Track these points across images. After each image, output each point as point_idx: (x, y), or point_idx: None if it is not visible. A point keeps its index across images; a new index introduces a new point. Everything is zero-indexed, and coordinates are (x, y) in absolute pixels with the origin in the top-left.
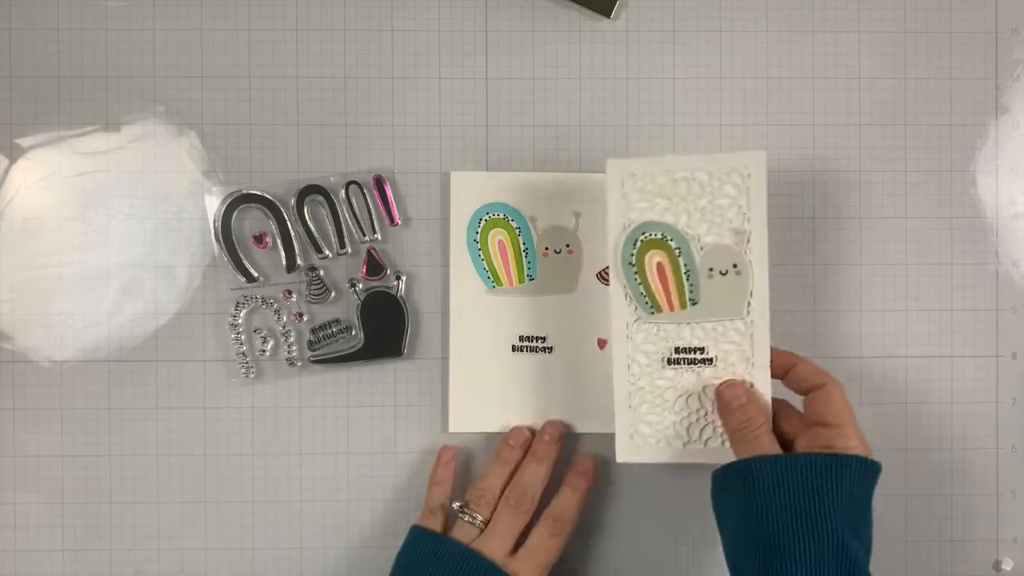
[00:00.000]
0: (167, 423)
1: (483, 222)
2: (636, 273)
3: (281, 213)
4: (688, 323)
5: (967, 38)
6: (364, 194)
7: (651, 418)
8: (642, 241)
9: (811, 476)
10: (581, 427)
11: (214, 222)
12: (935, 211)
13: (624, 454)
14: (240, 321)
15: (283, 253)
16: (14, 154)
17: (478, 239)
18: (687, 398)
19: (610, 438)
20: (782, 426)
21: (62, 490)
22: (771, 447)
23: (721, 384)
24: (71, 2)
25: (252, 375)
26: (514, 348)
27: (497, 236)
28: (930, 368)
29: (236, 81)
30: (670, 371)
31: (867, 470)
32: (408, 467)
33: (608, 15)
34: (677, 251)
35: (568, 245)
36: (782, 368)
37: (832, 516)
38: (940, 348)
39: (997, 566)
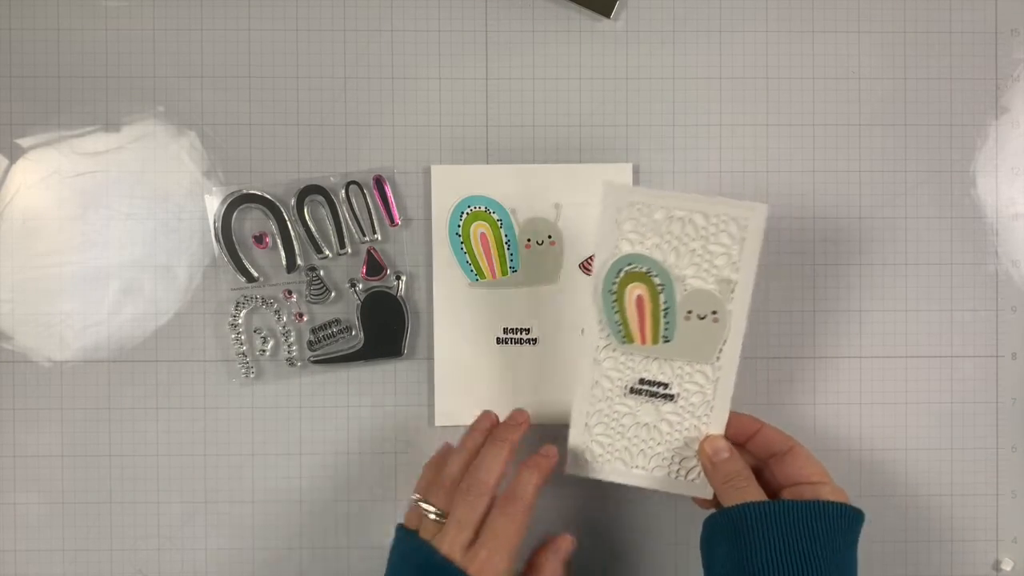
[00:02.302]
0: (167, 423)
1: (465, 215)
2: (615, 302)
3: (281, 213)
4: (656, 358)
5: (967, 38)
6: (364, 194)
7: (603, 439)
8: (626, 272)
9: (801, 521)
10: (565, 419)
11: (214, 222)
12: (935, 211)
13: (572, 467)
14: (240, 321)
15: (283, 253)
16: (14, 154)
17: (460, 232)
18: (641, 427)
19: None
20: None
21: (62, 490)
22: (760, 496)
23: (704, 440)
24: (71, 2)
25: (252, 375)
26: (498, 340)
27: (479, 229)
28: (930, 368)
29: (236, 81)
30: (630, 399)
31: (854, 519)
32: (408, 467)
33: (608, 15)
34: (660, 288)
35: (550, 236)
36: (746, 433)
37: (821, 561)
38: (940, 348)
39: (997, 566)
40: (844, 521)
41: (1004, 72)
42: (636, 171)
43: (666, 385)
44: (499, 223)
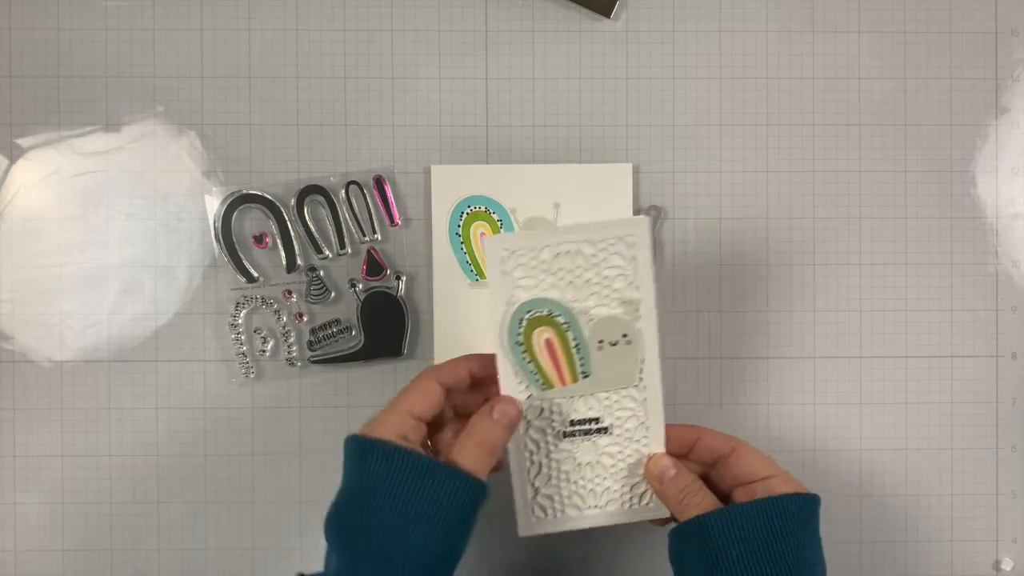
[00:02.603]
0: (167, 423)
1: (465, 215)
2: (525, 352)
3: (281, 213)
4: (582, 396)
5: (967, 38)
6: (364, 194)
7: (549, 491)
8: (528, 319)
9: (761, 522)
10: None
11: (214, 222)
12: (935, 211)
13: (525, 528)
14: (240, 321)
15: (283, 253)
16: (14, 154)
17: (460, 232)
18: (584, 467)
19: None
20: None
21: (62, 490)
22: (715, 503)
23: (648, 463)
24: (71, 2)
25: (252, 375)
26: None
27: (479, 229)
28: (930, 368)
29: (236, 81)
30: (566, 443)
31: (810, 505)
32: None
33: (608, 15)
34: (565, 326)
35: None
36: (687, 443)
37: (787, 555)
38: (940, 348)
39: (997, 566)
40: (802, 510)
41: (1004, 72)
42: (636, 171)
43: (598, 420)
44: (499, 223)
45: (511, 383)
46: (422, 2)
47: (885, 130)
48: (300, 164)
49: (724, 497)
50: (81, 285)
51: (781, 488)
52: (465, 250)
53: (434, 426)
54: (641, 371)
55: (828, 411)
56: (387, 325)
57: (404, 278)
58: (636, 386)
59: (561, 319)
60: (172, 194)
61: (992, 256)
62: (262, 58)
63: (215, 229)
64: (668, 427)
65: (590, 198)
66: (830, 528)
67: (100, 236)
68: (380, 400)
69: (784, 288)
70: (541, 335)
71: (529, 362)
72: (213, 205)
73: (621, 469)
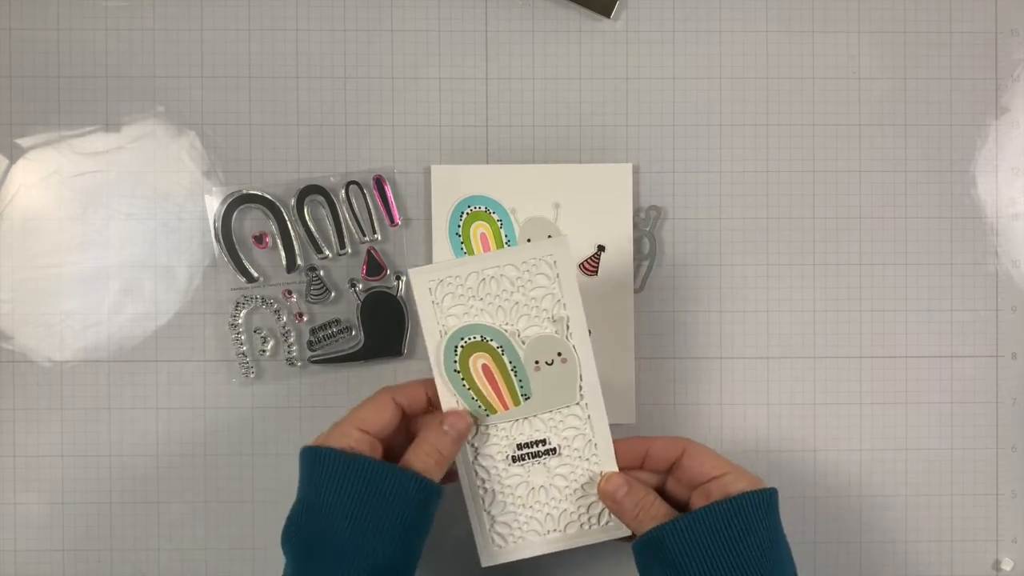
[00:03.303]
0: (167, 423)
1: (465, 215)
2: (463, 379)
3: (281, 213)
4: (526, 418)
5: (967, 38)
6: (364, 194)
7: (505, 518)
8: (463, 346)
9: (719, 525)
10: None
11: (214, 222)
12: (935, 211)
13: (487, 558)
14: (240, 321)
15: (283, 253)
16: (14, 154)
17: (460, 232)
18: (539, 490)
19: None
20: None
21: (62, 490)
22: (671, 513)
23: (600, 483)
24: (71, 2)
25: (252, 375)
26: None
27: (479, 229)
28: (930, 368)
29: (236, 81)
30: (517, 468)
31: (768, 499)
32: None
33: (608, 15)
34: (500, 350)
35: (550, 236)
36: (637, 455)
37: (750, 556)
38: (940, 348)
39: (997, 566)
40: (760, 507)
41: (1004, 72)
42: (636, 171)
43: (545, 441)
44: (499, 223)
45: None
46: (422, 2)
47: (885, 130)
48: (300, 164)
49: (685, 503)
50: (81, 285)
51: (735, 485)
52: (465, 250)
53: (390, 450)
54: (581, 388)
55: (828, 411)
56: (387, 325)
57: (404, 278)
58: (578, 404)
59: (495, 343)
60: (172, 194)
61: (992, 256)
62: (262, 58)
63: (215, 229)
64: (617, 441)
65: (590, 198)
66: (831, 528)
67: (100, 236)
68: None
69: (784, 288)
70: (477, 361)
71: (468, 389)
72: (213, 205)
73: (576, 490)
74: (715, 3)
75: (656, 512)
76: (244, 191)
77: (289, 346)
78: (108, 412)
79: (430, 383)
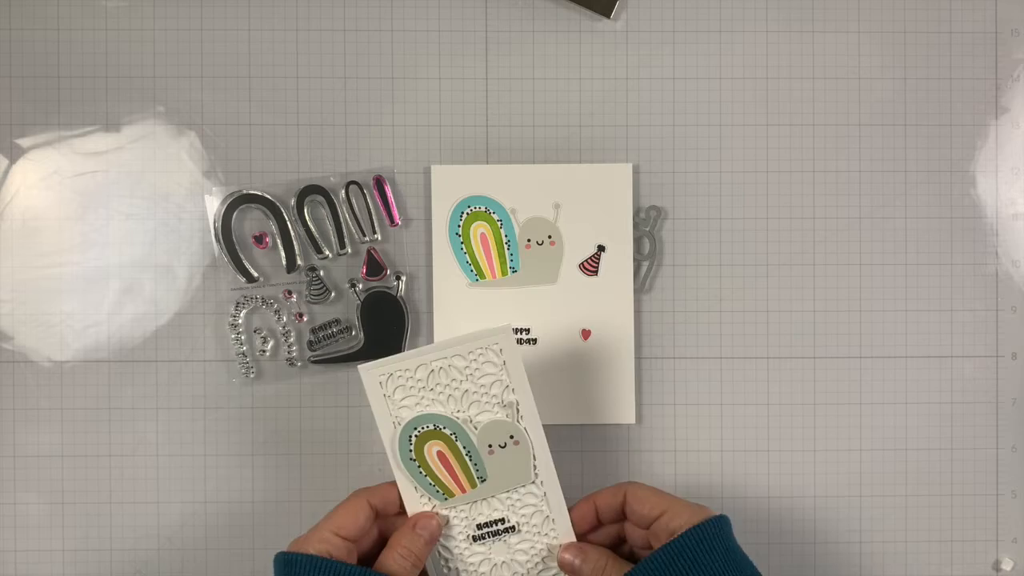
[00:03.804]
0: (167, 423)
1: (465, 215)
2: (419, 467)
3: (281, 213)
4: (484, 499)
5: (967, 38)
6: (364, 194)
7: None
8: (417, 435)
9: (668, 568)
10: (565, 419)
11: (214, 222)
12: (935, 211)
13: None
14: (240, 321)
15: (283, 253)
16: (14, 154)
17: (460, 232)
18: (501, 567)
19: (595, 428)
20: (629, 544)
21: (62, 490)
22: (623, 569)
23: (559, 556)
24: (71, 2)
25: (252, 375)
26: None
27: (479, 229)
28: (930, 368)
29: (236, 81)
30: (478, 547)
31: (716, 528)
32: None
33: (608, 15)
34: (453, 436)
35: (550, 236)
36: (590, 517)
37: None
38: (940, 348)
39: (997, 566)
40: (704, 539)
41: (1004, 72)
42: (636, 171)
43: (503, 520)
44: (499, 223)
45: (413, 498)
46: (422, 2)
47: (885, 130)
48: (300, 164)
49: (648, 545)
50: (81, 285)
51: (675, 522)
52: (465, 250)
53: (361, 552)
54: (535, 467)
55: (828, 411)
56: (387, 325)
57: (404, 278)
58: (533, 482)
59: (448, 430)
60: (172, 194)
61: (992, 256)
62: (262, 58)
63: (215, 229)
64: (571, 510)
65: (590, 198)
66: (830, 528)
67: (100, 236)
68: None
69: (784, 288)
70: (432, 448)
71: (425, 475)
72: (213, 205)
73: (537, 564)
74: (715, 3)
75: (614, 571)
76: (244, 191)
77: (289, 346)
78: (108, 412)
79: None
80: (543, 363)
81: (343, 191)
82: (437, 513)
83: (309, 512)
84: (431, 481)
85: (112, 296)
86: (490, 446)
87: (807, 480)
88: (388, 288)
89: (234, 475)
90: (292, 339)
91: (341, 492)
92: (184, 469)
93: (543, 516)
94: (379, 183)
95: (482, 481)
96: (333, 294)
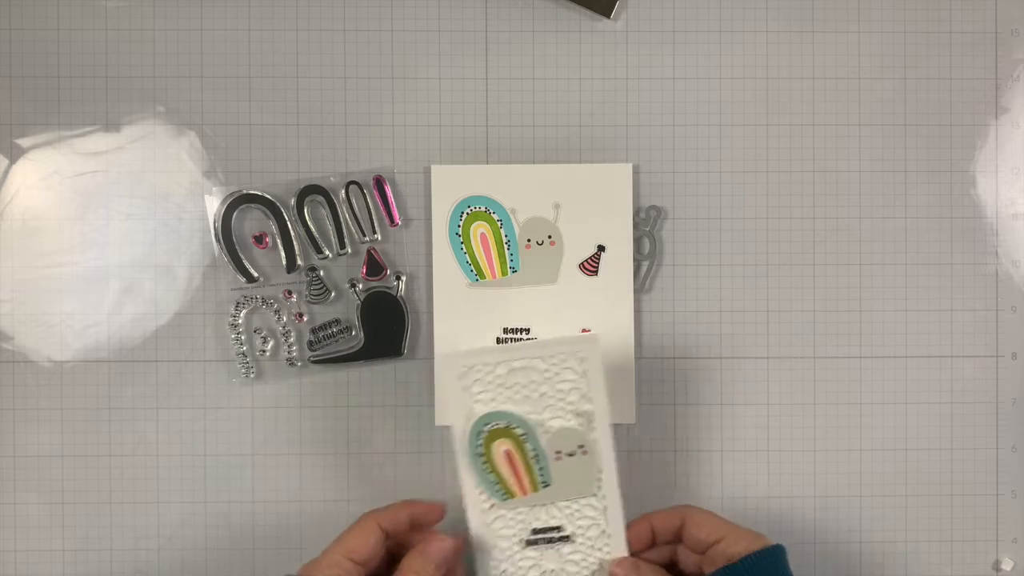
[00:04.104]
0: (167, 423)
1: (465, 215)
2: (485, 463)
3: (281, 213)
4: (543, 505)
5: (967, 38)
6: (364, 194)
7: None
8: (487, 431)
9: None
10: None
11: (214, 222)
12: (935, 211)
13: None
14: (240, 321)
15: (283, 253)
16: (14, 154)
17: (460, 232)
18: (549, 574)
19: None
20: (680, 567)
21: (62, 490)
22: None
23: (610, 568)
24: (71, 2)
25: (252, 375)
26: (498, 340)
27: (479, 229)
28: (930, 368)
29: (236, 81)
30: (531, 551)
31: (771, 559)
32: (408, 468)
33: (608, 15)
34: (523, 437)
35: (550, 236)
36: (645, 537)
37: None
38: (940, 348)
39: (997, 566)
40: (765, 569)
41: (1004, 72)
42: (636, 171)
43: (560, 528)
44: (499, 223)
45: (473, 494)
46: (422, 2)
47: (885, 130)
48: (300, 164)
49: (700, 569)
50: (81, 285)
51: (733, 548)
52: (465, 250)
53: (371, 574)
54: (599, 480)
55: (828, 411)
56: (387, 325)
57: (404, 278)
58: (595, 495)
59: (519, 431)
60: (172, 194)
61: (992, 256)
62: (262, 58)
63: (215, 229)
64: (627, 528)
65: (590, 198)
66: (830, 528)
67: (100, 236)
68: (380, 400)
69: (784, 288)
70: (500, 446)
71: (490, 472)
72: (213, 205)
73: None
74: (715, 3)
75: None
76: (244, 191)
77: (289, 346)
78: (108, 412)
79: (412, 505)
80: None
81: (343, 191)
82: (453, 536)
83: (309, 512)
84: (494, 479)
85: (112, 296)
86: (558, 452)
87: (807, 480)
88: (388, 288)
89: (234, 475)
90: (292, 339)
91: (341, 492)
92: (184, 469)
93: (599, 530)
94: (379, 183)
95: (545, 486)
96: (333, 294)
